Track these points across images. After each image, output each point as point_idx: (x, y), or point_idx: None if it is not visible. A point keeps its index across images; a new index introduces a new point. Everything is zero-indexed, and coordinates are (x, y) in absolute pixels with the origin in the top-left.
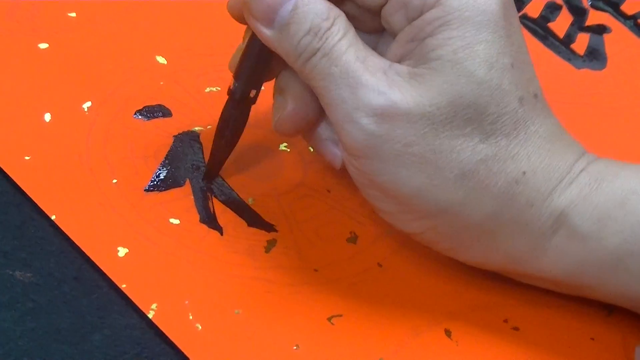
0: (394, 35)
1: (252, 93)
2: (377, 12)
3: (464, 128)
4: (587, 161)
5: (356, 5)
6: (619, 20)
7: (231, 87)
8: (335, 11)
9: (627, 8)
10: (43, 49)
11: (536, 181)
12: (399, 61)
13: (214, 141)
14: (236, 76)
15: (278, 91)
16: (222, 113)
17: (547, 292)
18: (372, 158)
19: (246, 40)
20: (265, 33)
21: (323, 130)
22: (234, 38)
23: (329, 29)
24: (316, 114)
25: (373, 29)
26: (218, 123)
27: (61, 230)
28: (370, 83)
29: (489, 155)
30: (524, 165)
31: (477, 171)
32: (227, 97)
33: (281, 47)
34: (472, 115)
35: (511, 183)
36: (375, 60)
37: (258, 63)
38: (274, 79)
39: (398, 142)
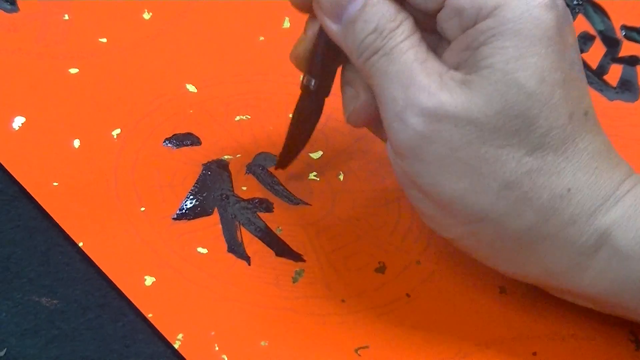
0: (449, 42)
1: (326, 86)
2: (433, 17)
3: (511, 139)
4: (634, 182)
5: (414, 8)
6: None
7: (304, 82)
8: (403, 14)
9: None
10: (73, 74)
11: (581, 199)
12: (455, 69)
13: (288, 132)
14: (309, 71)
15: (347, 82)
16: (296, 107)
17: (576, 325)
18: (416, 159)
19: (308, 32)
20: (332, 27)
21: None
22: (266, 66)
23: (394, 30)
24: None
25: (432, 30)
26: (293, 117)
27: (87, 257)
28: (423, 84)
29: (534, 168)
30: (570, 182)
31: (521, 183)
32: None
33: (345, 43)
34: (520, 127)
35: (555, 198)
36: (434, 64)
37: (329, 56)
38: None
39: (443, 145)
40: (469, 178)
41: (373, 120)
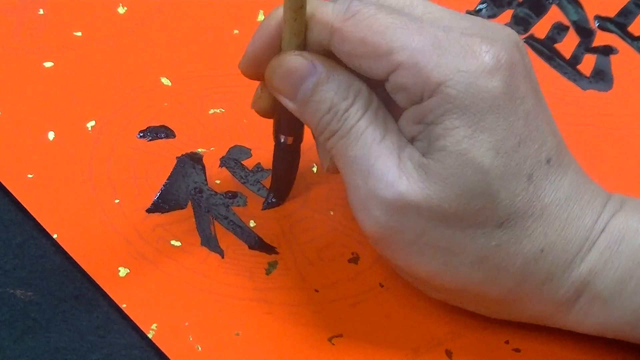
0: (401, 108)
1: (299, 135)
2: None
3: (475, 217)
4: (608, 217)
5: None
6: (626, 42)
7: (279, 139)
8: (356, 87)
9: (634, 29)
10: (48, 67)
11: (555, 256)
12: (411, 140)
13: (272, 179)
14: (279, 129)
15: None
16: (275, 157)
17: None
18: (386, 245)
19: (265, 92)
20: (288, 105)
21: None
22: (239, 61)
23: (347, 109)
24: None
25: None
26: (274, 166)
27: (62, 249)
28: (381, 172)
29: (504, 239)
30: (542, 242)
31: (493, 255)
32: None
33: (304, 120)
34: (483, 205)
35: (529, 262)
36: (392, 139)
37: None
38: None
39: (409, 232)
40: (441, 258)
41: None
